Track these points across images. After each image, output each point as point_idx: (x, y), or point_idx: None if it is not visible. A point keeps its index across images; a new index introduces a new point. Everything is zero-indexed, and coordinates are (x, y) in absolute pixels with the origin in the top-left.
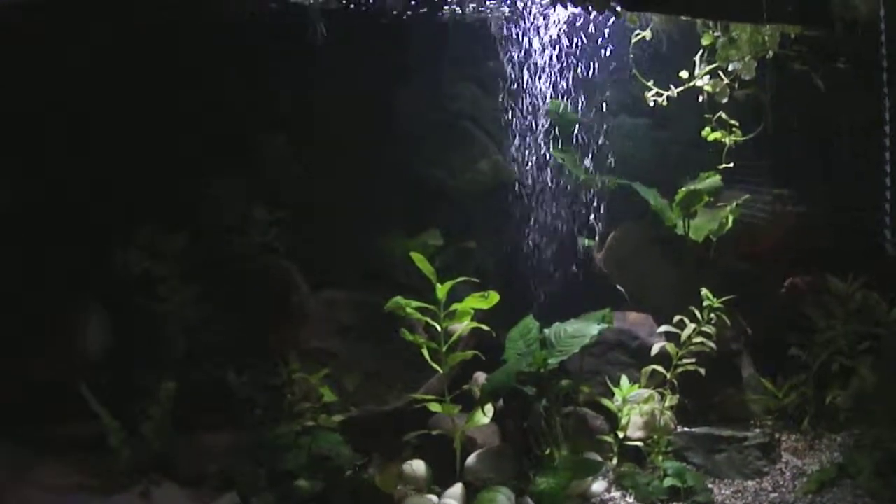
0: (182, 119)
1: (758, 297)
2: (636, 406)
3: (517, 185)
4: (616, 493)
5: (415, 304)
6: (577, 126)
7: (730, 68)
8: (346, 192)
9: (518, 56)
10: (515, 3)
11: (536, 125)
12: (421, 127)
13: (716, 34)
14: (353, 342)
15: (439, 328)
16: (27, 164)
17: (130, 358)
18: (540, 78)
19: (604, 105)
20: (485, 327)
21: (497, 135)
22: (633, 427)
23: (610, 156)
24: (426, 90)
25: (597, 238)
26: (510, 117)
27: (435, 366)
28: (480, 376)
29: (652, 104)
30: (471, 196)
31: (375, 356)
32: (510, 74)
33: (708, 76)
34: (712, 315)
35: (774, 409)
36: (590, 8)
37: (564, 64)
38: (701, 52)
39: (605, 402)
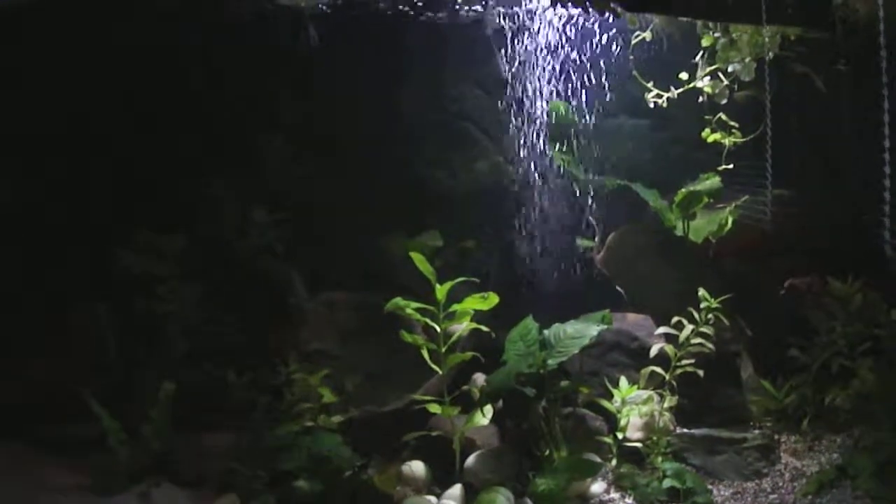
0: (182, 119)
1: (757, 298)
2: (635, 407)
3: (517, 186)
4: (615, 494)
5: (414, 304)
6: (577, 127)
7: (730, 70)
8: (347, 193)
9: (518, 57)
10: (515, 3)
11: (536, 126)
12: (421, 128)
13: (716, 35)
14: (353, 343)
15: (439, 329)
16: (27, 164)
17: (130, 358)
18: (540, 79)
19: (603, 106)
20: (484, 328)
21: (497, 136)
22: (633, 428)
23: (610, 157)
24: (426, 91)
25: (596, 239)
26: (510, 118)
27: (434, 367)
28: (480, 377)
29: (652, 105)
30: (471, 196)
31: (375, 357)
32: (510, 76)
33: (708, 77)
34: (710, 316)
35: (774, 411)
36: (590, 9)
37: (564, 65)
38: (701, 53)
39: (605, 403)
